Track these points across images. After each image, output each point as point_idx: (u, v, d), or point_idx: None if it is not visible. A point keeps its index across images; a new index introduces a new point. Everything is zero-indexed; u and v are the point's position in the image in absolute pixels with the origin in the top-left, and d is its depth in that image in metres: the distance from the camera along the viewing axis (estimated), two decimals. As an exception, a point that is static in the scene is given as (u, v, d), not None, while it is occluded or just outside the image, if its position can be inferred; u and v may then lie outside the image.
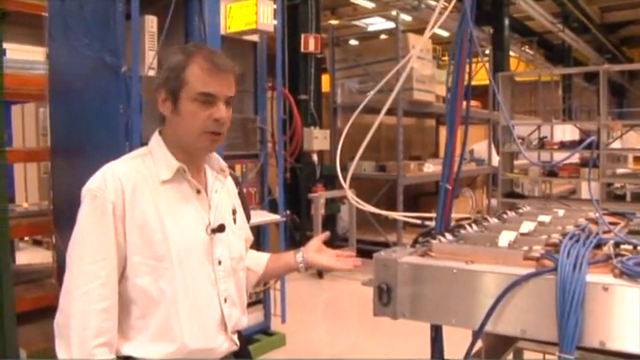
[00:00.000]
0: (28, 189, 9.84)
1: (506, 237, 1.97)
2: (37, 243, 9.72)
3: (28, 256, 8.20)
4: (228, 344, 1.96)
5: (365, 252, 8.54)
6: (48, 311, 4.44)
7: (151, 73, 3.97)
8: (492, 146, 10.64)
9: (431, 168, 9.25)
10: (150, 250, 1.80)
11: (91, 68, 3.95)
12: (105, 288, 1.74)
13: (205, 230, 1.90)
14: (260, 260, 2.28)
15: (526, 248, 1.81)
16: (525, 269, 1.61)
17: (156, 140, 1.93)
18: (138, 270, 1.79)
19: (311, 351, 5.24)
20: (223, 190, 2.03)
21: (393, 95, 2.38)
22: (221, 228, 1.93)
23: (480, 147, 11.17)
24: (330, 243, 8.35)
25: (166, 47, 4.01)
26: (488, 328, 1.63)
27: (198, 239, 1.89)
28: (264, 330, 5.25)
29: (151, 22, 4.00)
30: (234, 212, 2.06)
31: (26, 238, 9.60)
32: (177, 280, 1.82)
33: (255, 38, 5.02)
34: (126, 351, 1.80)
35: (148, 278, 1.80)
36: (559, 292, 1.51)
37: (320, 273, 7.98)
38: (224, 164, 2.06)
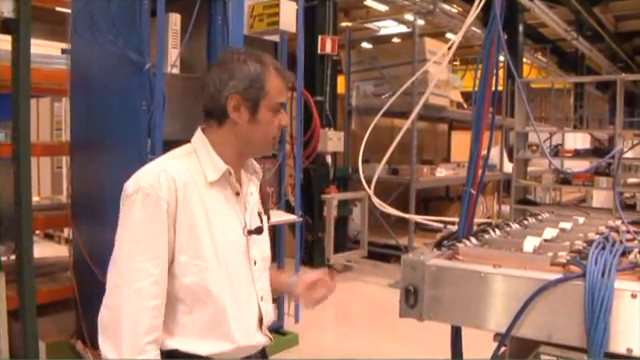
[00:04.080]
0: (41, 183, 9.90)
1: (531, 242, 1.99)
2: (49, 237, 9.76)
3: (40, 250, 8.22)
4: (265, 339, 2.03)
5: (377, 255, 8.61)
6: (63, 304, 4.52)
7: (174, 71, 4.01)
8: (504, 152, 10.62)
9: (443, 173, 9.26)
10: (198, 250, 1.84)
11: (115, 64, 3.97)
12: (157, 286, 1.77)
13: (242, 231, 1.96)
14: None
15: (551, 254, 1.83)
16: (552, 274, 1.63)
17: (201, 140, 1.95)
18: (185, 270, 1.83)
19: (324, 351, 5.27)
20: (256, 192, 2.09)
21: (422, 101, 2.40)
22: (259, 230, 2.00)
23: (491, 153, 11.10)
24: (342, 245, 8.36)
25: (190, 45, 4.05)
26: (514, 332, 1.65)
27: (238, 240, 1.95)
28: (277, 329, 5.26)
29: (175, 20, 4.03)
30: (259, 214, 2.11)
31: (37, 232, 9.64)
32: (223, 280, 1.87)
33: (276, 38, 5.06)
34: (171, 345, 1.84)
35: (194, 278, 1.83)
36: (588, 298, 1.53)
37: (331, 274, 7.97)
38: (257, 166, 2.12)
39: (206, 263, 1.84)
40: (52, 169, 9.71)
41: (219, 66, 1.94)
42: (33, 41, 3.74)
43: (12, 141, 3.70)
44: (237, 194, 1.97)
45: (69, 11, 4.38)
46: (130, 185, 1.83)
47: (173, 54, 4.01)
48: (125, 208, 1.81)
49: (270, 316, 2.06)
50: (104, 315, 1.79)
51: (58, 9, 5.66)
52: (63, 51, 4.88)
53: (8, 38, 3.68)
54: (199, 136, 1.97)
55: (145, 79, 3.78)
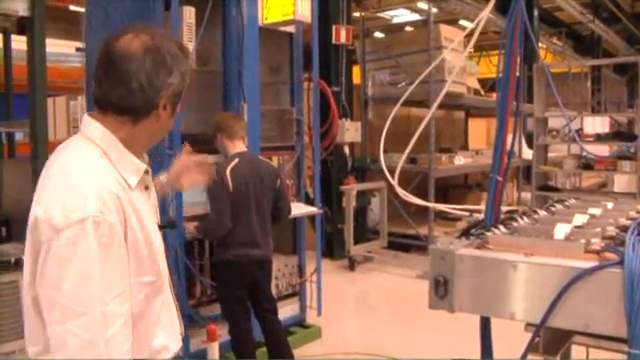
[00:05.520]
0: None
1: (562, 230, 1.95)
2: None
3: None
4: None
5: (396, 245, 8.55)
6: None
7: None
8: (523, 139, 10.53)
9: (462, 161, 9.19)
10: (141, 268, 1.61)
11: (130, 60, 3.96)
12: (127, 326, 1.51)
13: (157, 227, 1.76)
14: None
15: (583, 241, 1.78)
16: (587, 262, 1.59)
17: (107, 138, 1.61)
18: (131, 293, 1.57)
19: (347, 343, 5.24)
20: (151, 182, 1.83)
21: (444, 90, 2.35)
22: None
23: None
24: (361, 236, 8.29)
25: (205, 39, 4.02)
26: (548, 322, 1.60)
27: (160, 239, 1.74)
28: (299, 322, 5.26)
29: (189, 13, 3.99)
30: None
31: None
32: (163, 290, 1.71)
33: (291, 29, 5.02)
34: None
35: (136, 299, 1.59)
36: (627, 286, 1.48)
37: (352, 266, 7.96)
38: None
39: (149, 278, 1.64)
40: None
41: (149, 53, 1.59)
42: (48, 41, 3.72)
43: (30, 139, 3.69)
44: (146, 188, 1.73)
45: (83, 10, 4.39)
46: (60, 214, 1.46)
47: (189, 48, 3.98)
48: (63, 244, 1.44)
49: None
50: None
51: (72, 8, 5.67)
52: (78, 50, 4.89)
53: (23, 39, 3.67)
54: (104, 134, 1.61)
55: (160, 74, 3.75)
